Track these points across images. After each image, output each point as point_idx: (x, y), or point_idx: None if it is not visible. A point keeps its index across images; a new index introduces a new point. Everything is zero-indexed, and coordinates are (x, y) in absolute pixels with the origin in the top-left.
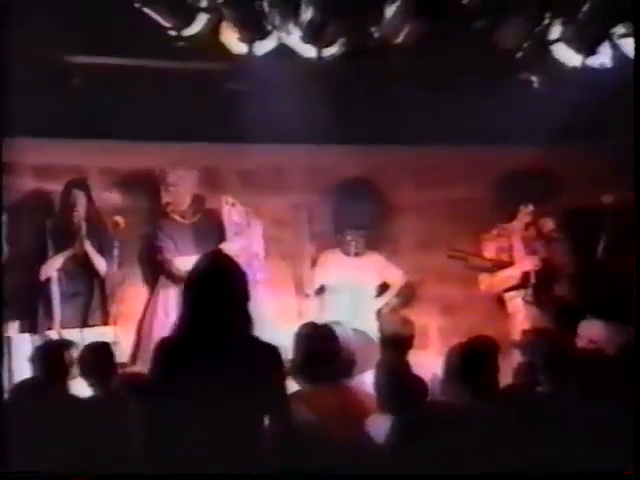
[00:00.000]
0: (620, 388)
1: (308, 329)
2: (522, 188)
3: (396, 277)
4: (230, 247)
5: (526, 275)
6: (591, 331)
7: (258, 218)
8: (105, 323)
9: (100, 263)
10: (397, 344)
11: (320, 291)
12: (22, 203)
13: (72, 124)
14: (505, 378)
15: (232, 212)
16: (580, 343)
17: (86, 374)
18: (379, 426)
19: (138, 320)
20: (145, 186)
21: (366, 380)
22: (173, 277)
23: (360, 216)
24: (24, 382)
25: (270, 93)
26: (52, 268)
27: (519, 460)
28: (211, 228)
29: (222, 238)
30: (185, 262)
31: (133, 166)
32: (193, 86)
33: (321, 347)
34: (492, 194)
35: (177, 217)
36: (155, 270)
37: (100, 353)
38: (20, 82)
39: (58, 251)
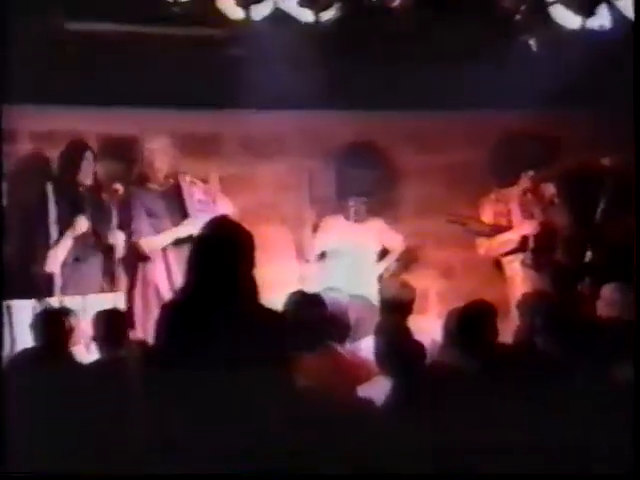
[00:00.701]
0: (620, 350)
1: (297, 297)
2: (521, 152)
3: (396, 242)
4: (193, 223)
5: (525, 239)
6: (611, 294)
7: (225, 194)
8: (108, 290)
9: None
10: (397, 308)
11: (321, 256)
12: (21, 168)
13: (70, 91)
14: (504, 341)
15: (193, 190)
16: (600, 305)
17: (98, 340)
18: (378, 389)
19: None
20: (133, 153)
21: (364, 345)
22: (141, 258)
23: (361, 182)
24: (24, 351)
25: (268, 58)
26: (61, 253)
27: (518, 422)
28: (179, 200)
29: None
30: (150, 243)
31: (130, 133)
32: (190, 52)
33: (310, 315)
34: (491, 158)
35: (155, 186)
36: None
37: (113, 319)
38: (18, 49)
39: (60, 216)
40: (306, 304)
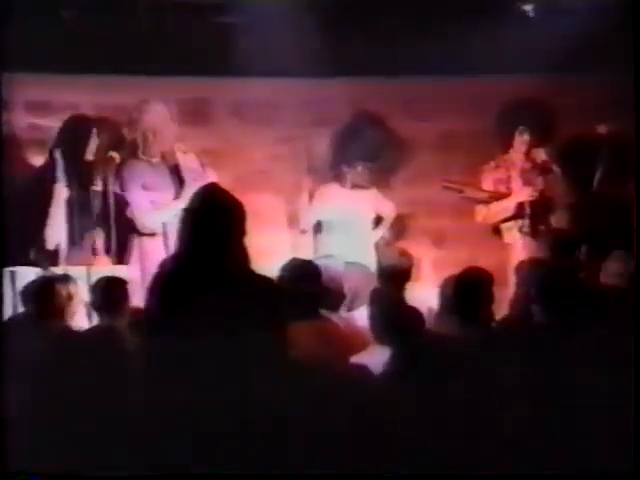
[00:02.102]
0: (619, 320)
1: (292, 265)
2: (519, 118)
3: (388, 210)
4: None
5: (521, 206)
6: (612, 263)
7: (219, 163)
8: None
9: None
10: (395, 276)
11: (317, 225)
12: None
13: (65, 60)
14: (501, 309)
15: (187, 159)
16: (603, 274)
17: (98, 308)
18: (373, 359)
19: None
20: (129, 123)
21: (360, 313)
22: (141, 234)
23: (360, 148)
24: (14, 317)
25: (263, 25)
26: (57, 229)
27: (514, 390)
28: (175, 170)
29: (182, 183)
30: (152, 219)
31: (125, 101)
32: (185, 19)
33: (305, 283)
34: (489, 125)
35: (149, 157)
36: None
37: (114, 288)
38: (8, 16)
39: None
40: (301, 272)
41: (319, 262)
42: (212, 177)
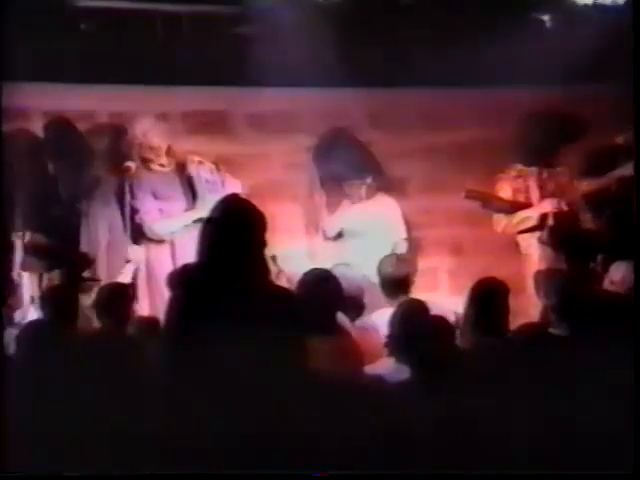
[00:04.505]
0: (630, 330)
1: (311, 275)
2: (536, 128)
3: (404, 221)
4: (205, 205)
5: (544, 217)
6: (616, 273)
7: (233, 172)
8: None
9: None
10: (393, 284)
11: (335, 235)
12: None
13: (80, 69)
14: (518, 319)
15: (200, 170)
16: (606, 284)
17: (102, 316)
18: (389, 369)
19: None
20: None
21: (374, 322)
22: (148, 239)
23: (372, 159)
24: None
25: (279, 36)
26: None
27: (529, 403)
28: (187, 180)
29: (195, 194)
30: (162, 228)
31: (139, 110)
32: (202, 30)
33: (323, 293)
34: (506, 135)
35: (159, 167)
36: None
37: (117, 294)
38: (26, 26)
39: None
40: (321, 282)
41: (337, 271)
42: (234, 186)
